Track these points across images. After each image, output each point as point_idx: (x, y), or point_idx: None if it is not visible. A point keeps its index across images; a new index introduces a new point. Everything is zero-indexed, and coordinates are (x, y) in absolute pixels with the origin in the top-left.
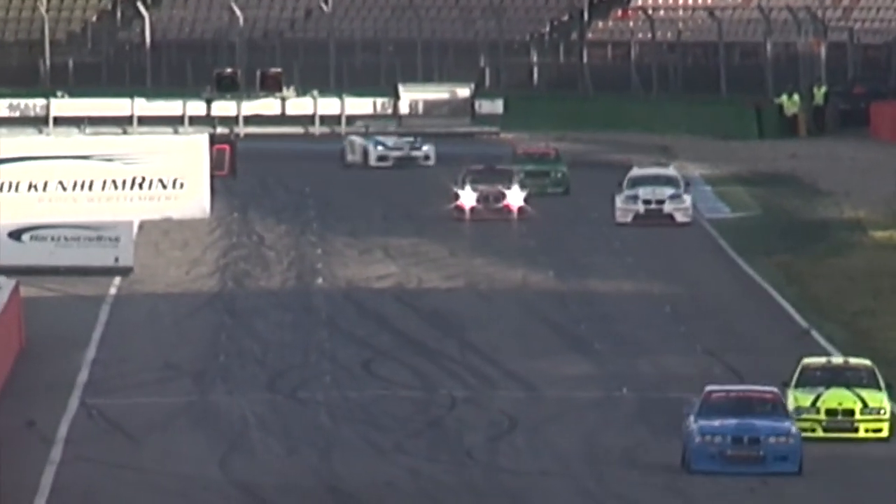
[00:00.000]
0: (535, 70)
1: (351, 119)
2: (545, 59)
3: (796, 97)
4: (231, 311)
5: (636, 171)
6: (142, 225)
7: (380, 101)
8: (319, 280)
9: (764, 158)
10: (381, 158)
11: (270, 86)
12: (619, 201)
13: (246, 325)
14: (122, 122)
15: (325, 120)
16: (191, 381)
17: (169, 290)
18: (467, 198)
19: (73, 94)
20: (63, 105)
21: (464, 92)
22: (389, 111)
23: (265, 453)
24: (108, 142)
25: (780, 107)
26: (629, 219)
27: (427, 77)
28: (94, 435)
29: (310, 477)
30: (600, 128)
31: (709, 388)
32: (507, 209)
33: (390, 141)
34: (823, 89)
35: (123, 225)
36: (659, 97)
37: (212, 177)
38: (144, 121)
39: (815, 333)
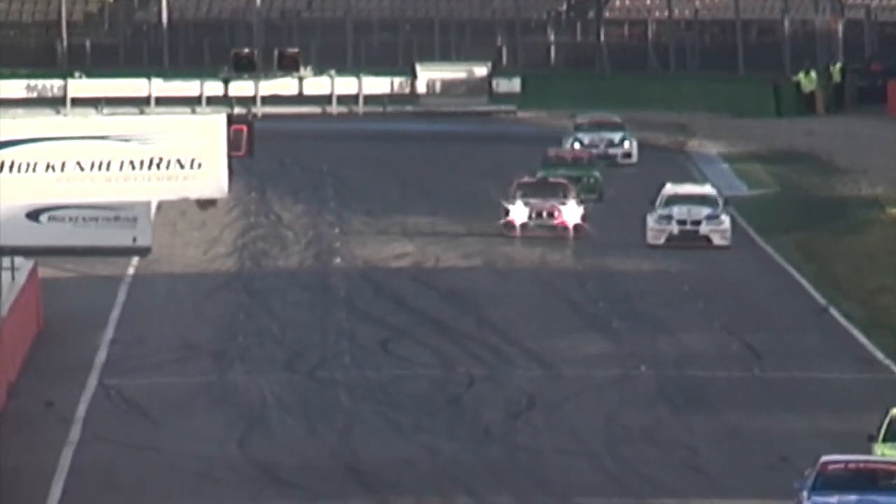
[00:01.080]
0: (553, 49)
1: (368, 98)
2: (562, 38)
3: (814, 74)
4: (249, 290)
5: (670, 189)
6: (159, 205)
7: (397, 80)
8: (337, 259)
9: (781, 136)
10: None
11: (288, 65)
12: (651, 221)
13: (264, 304)
14: (140, 103)
15: (342, 100)
16: (209, 361)
17: (187, 271)
18: (518, 213)
19: (90, 75)
20: (80, 86)
21: (481, 71)
22: (407, 90)
23: (284, 433)
24: (125, 122)
25: (798, 84)
26: (662, 240)
27: (444, 56)
28: (112, 415)
29: (329, 456)
30: (618, 106)
31: (824, 458)
32: (562, 226)
33: (587, 137)
34: (840, 66)
35: (141, 205)
36: (676, 75)
37: (229, 157)
38: (162, 101)
39: (833, 311)
